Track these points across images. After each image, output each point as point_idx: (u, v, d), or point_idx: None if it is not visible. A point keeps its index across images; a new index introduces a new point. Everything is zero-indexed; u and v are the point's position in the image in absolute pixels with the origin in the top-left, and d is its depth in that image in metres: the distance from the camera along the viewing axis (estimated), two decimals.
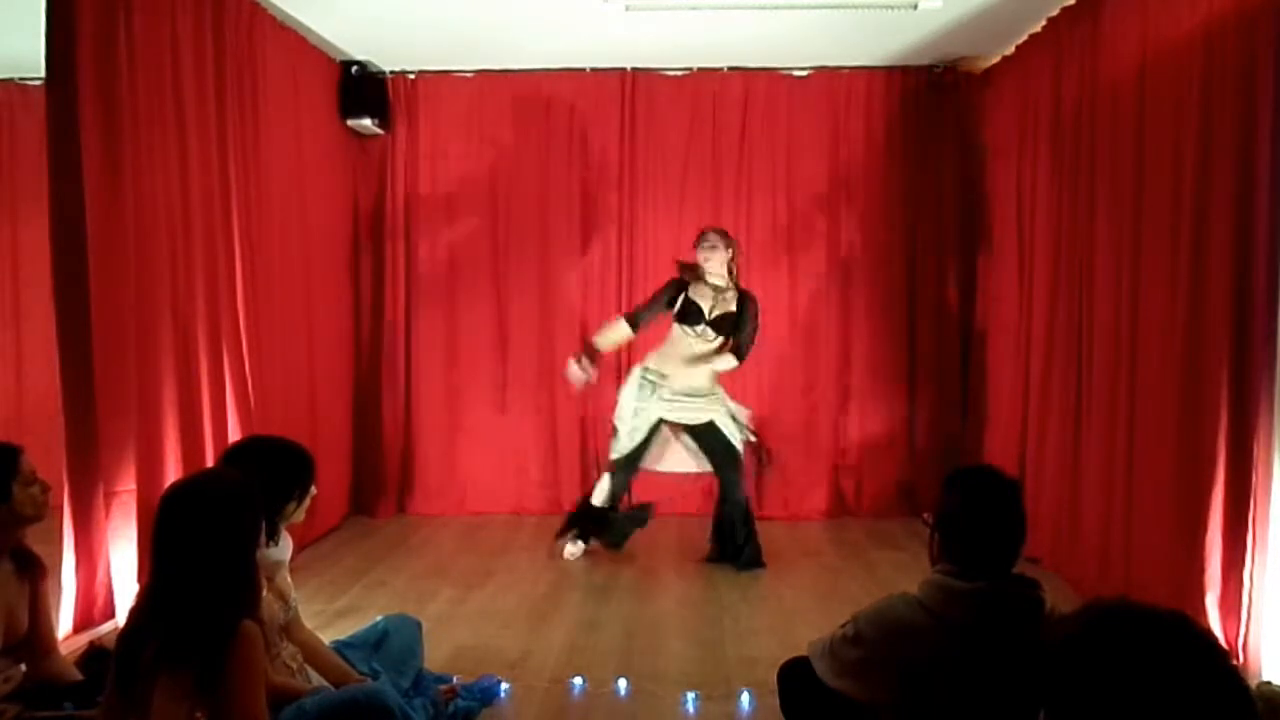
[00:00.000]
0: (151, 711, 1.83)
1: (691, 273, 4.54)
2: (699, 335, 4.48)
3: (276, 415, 4.32)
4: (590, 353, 4.53)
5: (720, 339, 4.50)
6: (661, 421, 4.55)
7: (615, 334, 4.61)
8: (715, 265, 4.50)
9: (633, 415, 4.55)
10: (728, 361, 4.50)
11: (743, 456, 4.58)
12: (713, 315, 4.47)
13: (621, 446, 4.58)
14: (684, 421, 4.56)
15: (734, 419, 4.58)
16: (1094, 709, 1.05)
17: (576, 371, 4.48)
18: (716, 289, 4.50)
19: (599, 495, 4.69)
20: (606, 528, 4.71)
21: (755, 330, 4.54)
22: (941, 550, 2.00)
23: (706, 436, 4.57)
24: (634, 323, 4.58)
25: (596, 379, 4.56)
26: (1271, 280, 3.00)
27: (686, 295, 4.51)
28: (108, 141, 3.32)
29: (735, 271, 4.57)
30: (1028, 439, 4.78)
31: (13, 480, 2.36)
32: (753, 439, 4.66)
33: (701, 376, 4.51)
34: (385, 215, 5.75)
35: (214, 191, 3.94)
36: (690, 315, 4.48)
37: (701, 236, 4.57)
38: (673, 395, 4.51)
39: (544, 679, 3.24)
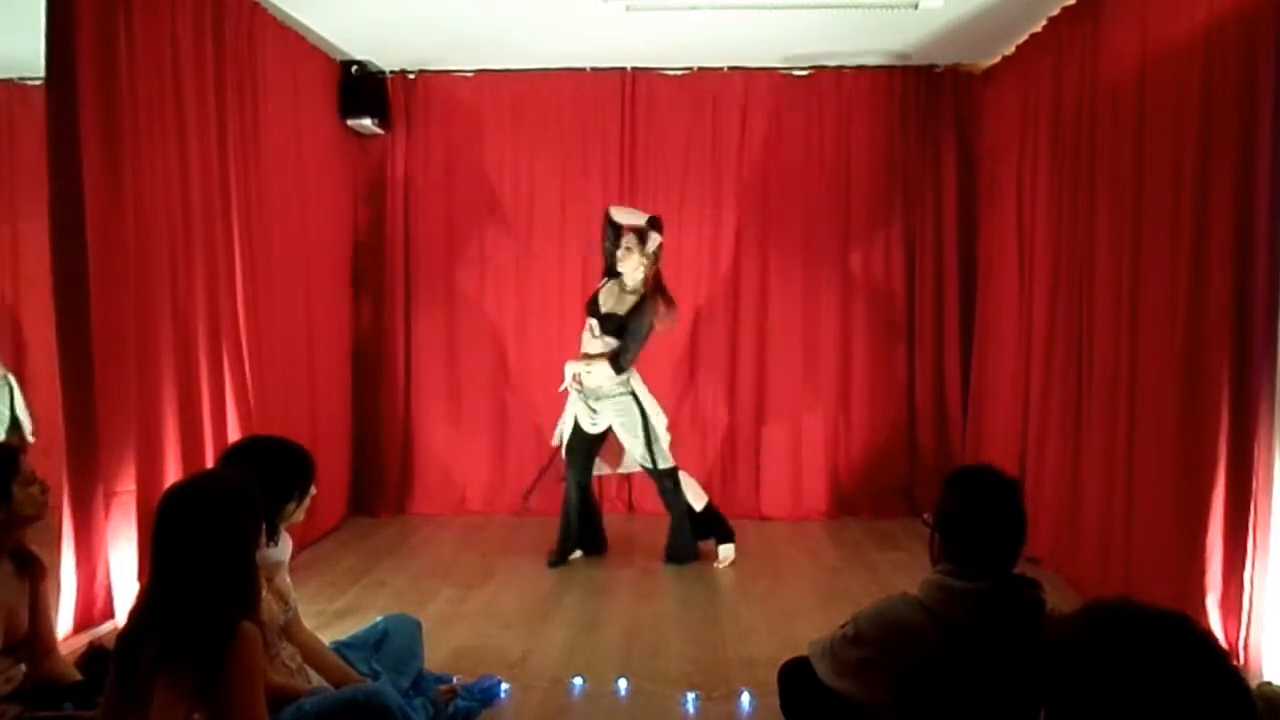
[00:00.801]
0: (151, 712, 1.83)
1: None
2: (590, 329, 4.45)
3: (276, 415, 4.32)
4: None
5: (609, 339, 4.38)
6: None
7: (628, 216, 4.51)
8: (627, 269, 4.41)
9: (566, 411, 4.63)
10: (602, 369, 4.37)
11: (647, 464, 4.54)
12: (603, 310, 4.42)
13: (563, 434, 4.64)
14: (589, 432, 4.57)
15: (642, 427, 4.48)
16: (1095, 709, 1.05)
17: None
18: (623, 288, 4.45)
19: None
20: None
21: (636, 340, 4.35)
22: (942, 550, 2.00)
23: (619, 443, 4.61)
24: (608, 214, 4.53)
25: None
26: (1272, 280, 3.00)
27: (599, 285, 4.49)
28: (108, 141, 3.32)
29: (651, 267, 4.39)
30: (1028, 439, 4.78)
31: (12, 480, 2.36)
32: (652, 461, 4.53)
33: (601, 377, 4.43)
34: (385, 215, 5.75)
35: (214, 191, 3.94)
36: (590, 304, 4.48)
37: (618, 233, 4.41)
38: (584, 398, 4.51)
39: (544, 679, 3.24)
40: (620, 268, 4.43)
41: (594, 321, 4.43)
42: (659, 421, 4.53)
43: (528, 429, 5.78)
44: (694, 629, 3.79)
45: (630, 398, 4.50)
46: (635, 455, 4.54)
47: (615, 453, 4.73)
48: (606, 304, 4.44)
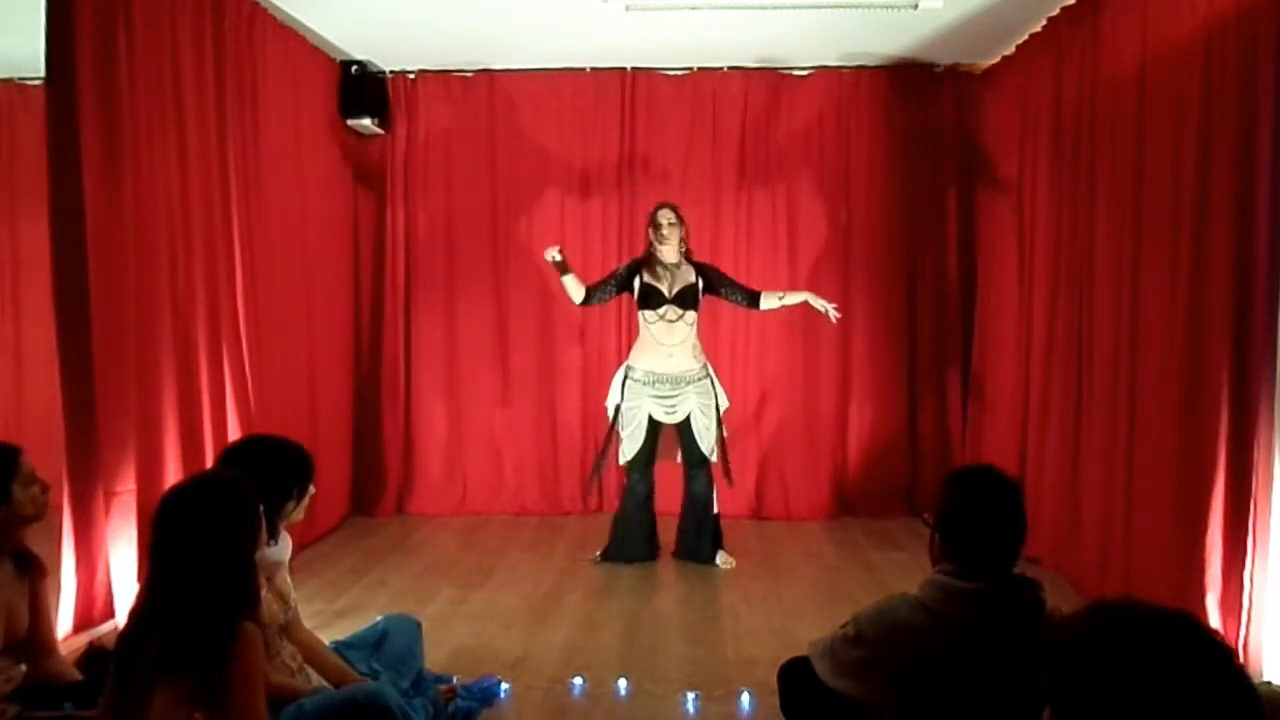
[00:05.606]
0: (151, 713, 1.82)
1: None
2: (662, 316, 4.48)
3: (276, 415, 4.31)
4: (564, 266, 4.48)
5: (687, 311, 4.48)
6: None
7: (573, 288, 4.56)
8: (671, 250, 4.50)
9: (628, 419, 4.55)
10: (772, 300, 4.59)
11: (709, 457, 4.58)
12: (674, 292, 4.48)
13: (626, 450, 4.60)
14: (666, 421, 4.56)
15: (715, 409, 4.55)
16: (1101, 708, 1.05)
17: (553, 252, 4.47)
18: (670, 266, 4.51)
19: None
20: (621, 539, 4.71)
21: (735, 283, 4.65)
22: (942, 550, 2.00)
23: (683, 430, 4.58)
24: (586, 297, 4.58)
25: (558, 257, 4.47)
26: (1272, 279, 3.00)
27: (643, 280, 4.50)
28: (108, 141, 3.31)
29: (686, 246, 4.57)
30: (1028, 439, 4.78)
31: (12, 481, 2.36)
32: (722, 438, 4.64)
33: (687, 358, 4.50)
34: (385, 215, 5.75)
35: (214, 191, 3.94)
36: (651, 299, 4.49)
37: (655, 222, 4.52)
38: (658, 390, 4.50)
39: (544, 679, 3.24)
40: (663, 250, 4.50)
41: (665, 306, 4.47)
42: (724, 406, 4.62)
43: (528, 428, 5.78)
44: (694, 629, 3.79)
45: (709, 381, 4.57)
46: (704, 444, 4.54)
47: (670, 443, 4.69)
48: (663, 285, 4.49)
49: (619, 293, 4.63)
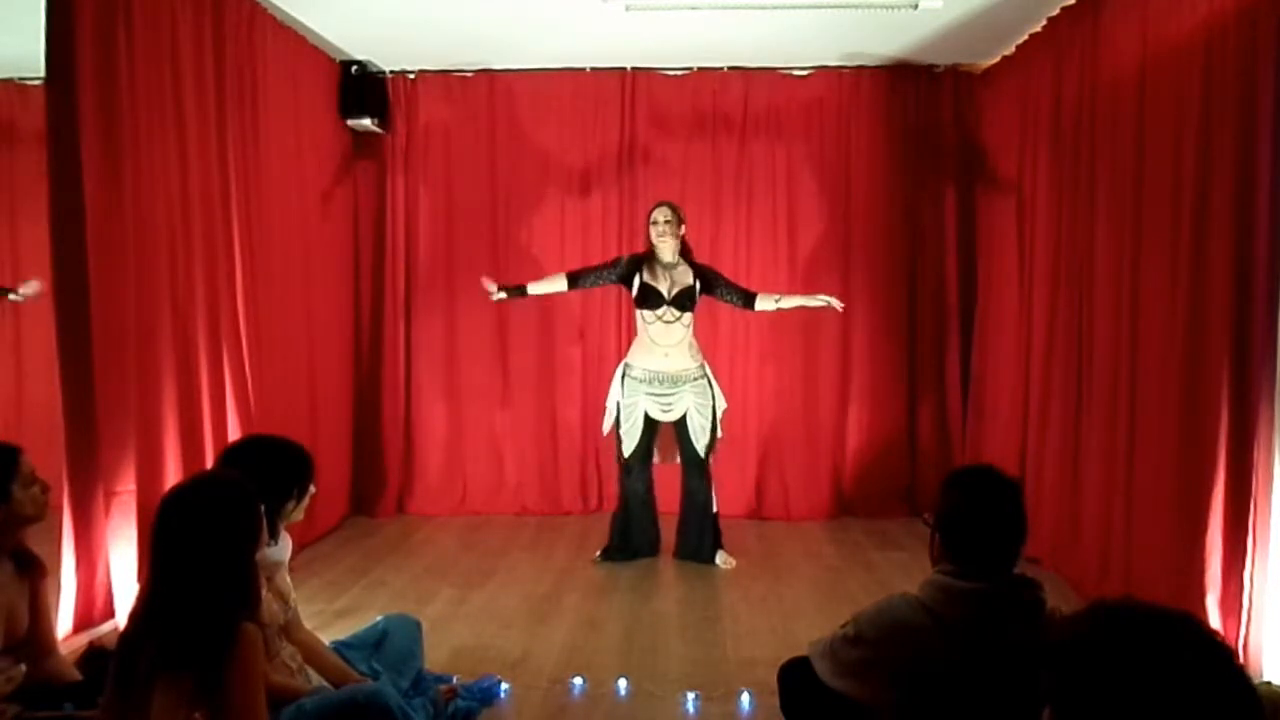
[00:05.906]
0: (151, 713, 1.82)
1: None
2: (660, 317, 4.49)
3: (276, 415, 4.31)
4: (515, 290, 4.64)
5: (684, 314, 4.50)
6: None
7: (549, 286, 4.70)
8: (668, 248, 4.50)
9: (626, 416, 4.57)
10: (767, 302, 4.61)
11: (706, 457, 4.59)
12: (672, 294, 4.49)
13: (625, 447, 4.60)
14: (662, 420, 4.58)
15: (712, 410, 4.57)
16: (1101, 708, 1.05)
17: (489, 285, 4.67)
18: (668, 266, 4.52)
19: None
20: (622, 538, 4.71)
21: (731, 283, 4.67)
22: (942, 550, 2.00)
23: (679, 429, 4.60)
24: (572, 281, 4.64)
25: (496, 296, 4.68)
26: (1272, 279, 3.00)
27: (642, 280, 4.51)
28: (108, 141, 3.31)
29: (686, 245, 4.58)
30: (1028, 439, 4.78)
31: (12, 481, 2.36)
32: (717, 437, 4.64)
33: (683, 357, 4.53)
34: (385, 215, 5.75)
35: (214, 192, 3.94)
36: (649, 299, 4.50)
37: (652, 219, 4.53)
38: (655, 389, 4.52)
39: (544, 679, 3.24)
40: (661, 250, 4.50)
41: (664, 308, 4.48)
42: (722, 408, 4.63)
43: (528, 429, 5.78)
44: (694, 629, 3.79)
45: (706, 382, 4.59)
46: (700, 444, 4.56)
47: (669, 444, 4.71)
48: (662, 285, 4.49)
49: (617, 282, 4.64)
